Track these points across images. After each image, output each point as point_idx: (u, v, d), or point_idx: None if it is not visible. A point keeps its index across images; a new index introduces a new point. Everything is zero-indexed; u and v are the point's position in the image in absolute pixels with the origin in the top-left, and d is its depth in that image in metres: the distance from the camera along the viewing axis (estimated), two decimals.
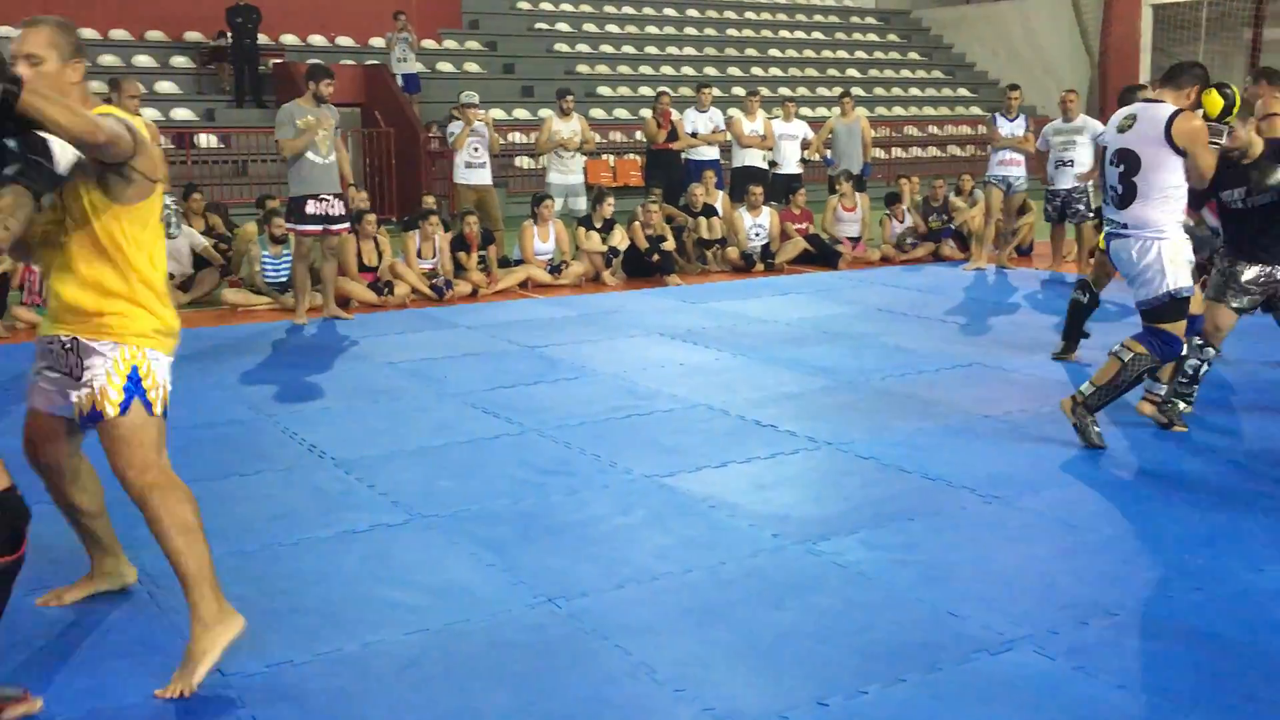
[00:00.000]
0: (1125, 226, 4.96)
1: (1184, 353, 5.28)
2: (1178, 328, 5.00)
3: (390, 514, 4.39)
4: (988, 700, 2.98)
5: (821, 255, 11.24)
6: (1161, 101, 4.98)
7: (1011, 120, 10.81)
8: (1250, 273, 5.40)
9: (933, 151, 20.86)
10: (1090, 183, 10.23)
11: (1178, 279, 4.90)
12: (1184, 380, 5.41)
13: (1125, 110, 5.17)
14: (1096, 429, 5.05)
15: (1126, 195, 4.94)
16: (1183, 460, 4.98)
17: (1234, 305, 5.44)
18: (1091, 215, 10.41)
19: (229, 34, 16.26)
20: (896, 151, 20.38)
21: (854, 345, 7.41)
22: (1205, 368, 5.43)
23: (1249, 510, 4.35)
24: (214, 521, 4.25)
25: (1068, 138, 10.23)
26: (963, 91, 23.69)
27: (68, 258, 3.02)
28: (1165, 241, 4.90)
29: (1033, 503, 4.43)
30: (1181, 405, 5.42)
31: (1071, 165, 10.14)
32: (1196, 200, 5.55)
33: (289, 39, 17.84)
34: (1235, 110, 5.14)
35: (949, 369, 6.69)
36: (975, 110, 22.22)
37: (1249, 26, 22.05)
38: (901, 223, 11.78)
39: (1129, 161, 4.93)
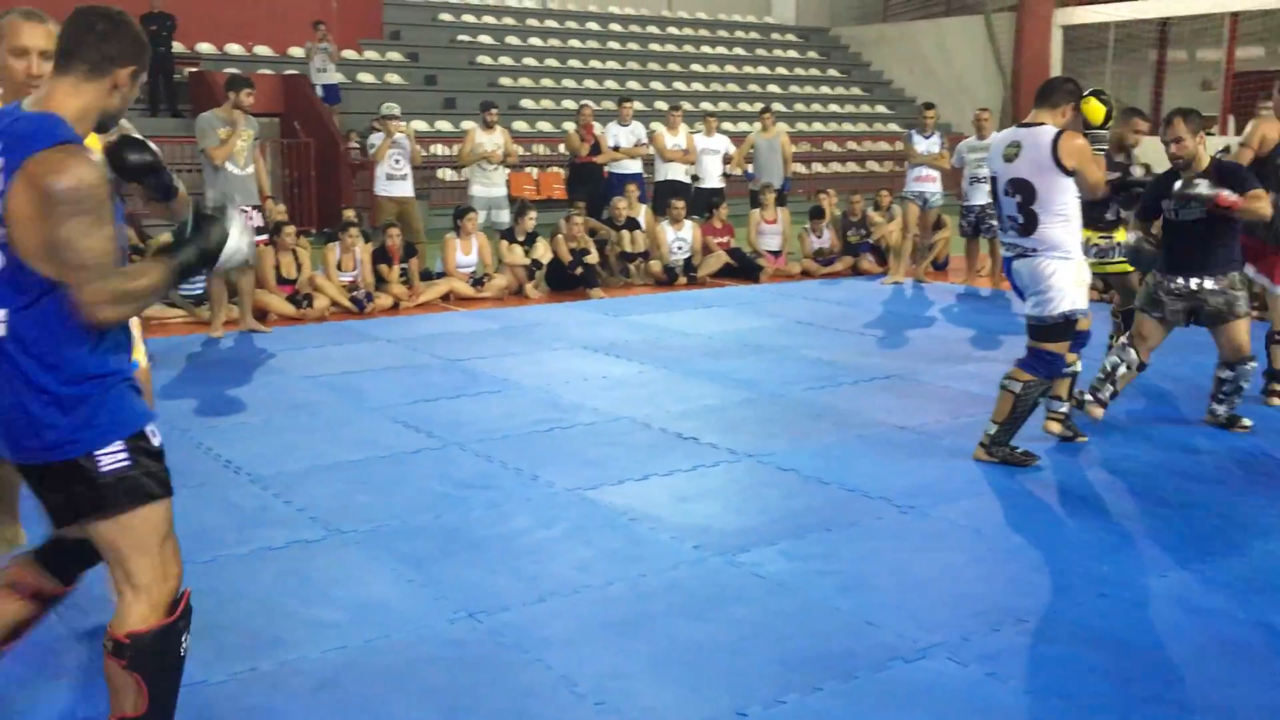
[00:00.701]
0: (1035, 250, 4.99)
1: (1107, 358, 5.50)
2: (1060, 347, 5.08)
3: (308, 530, 4.33)
4: (902, 707, 3.04)
5: (743, 269, 11.36)
6: (1041, 124, 5.01)
7: (927, 138, 11.02)
8: (1175, 283, 5.48)
9: (852, 167, 21.20)
10: None
11: (1075, 301, 4.98)
12: (1101, 376, 5.54)
13: (1007, 138, 5.15)
14: (1020, 450, 5.14)
15: (1029, 223, 4.98)
16: (1089, 470, 5.13)
17: (1154, 315, 5.57)
18: None
19: None
20: (817, 167, 20.67)
21: (775, 358, 7.50)
22: (1124, 369, 5.53)
23: (1152, 518, 4.49)
24: None
25: (981, 155, 10.45)
26: (880, 108, 24.13)
27: None
28: (1069, 263, 4.97)
29: (947, 512, 4.53)
30: (1096, 407, 5.52)
31: (985, 182, 10.37)
32: (1148, 213, 5.68)
33: (205, 47, 17.55)
34: (1114, 117, 5.25)
35: (867, 381, 6.81)
36: (893, 127, 22.64)
37: (1154, 48, 22.85)
38: (819, 238, 11.95)
39: (1025, 191, 4.97)
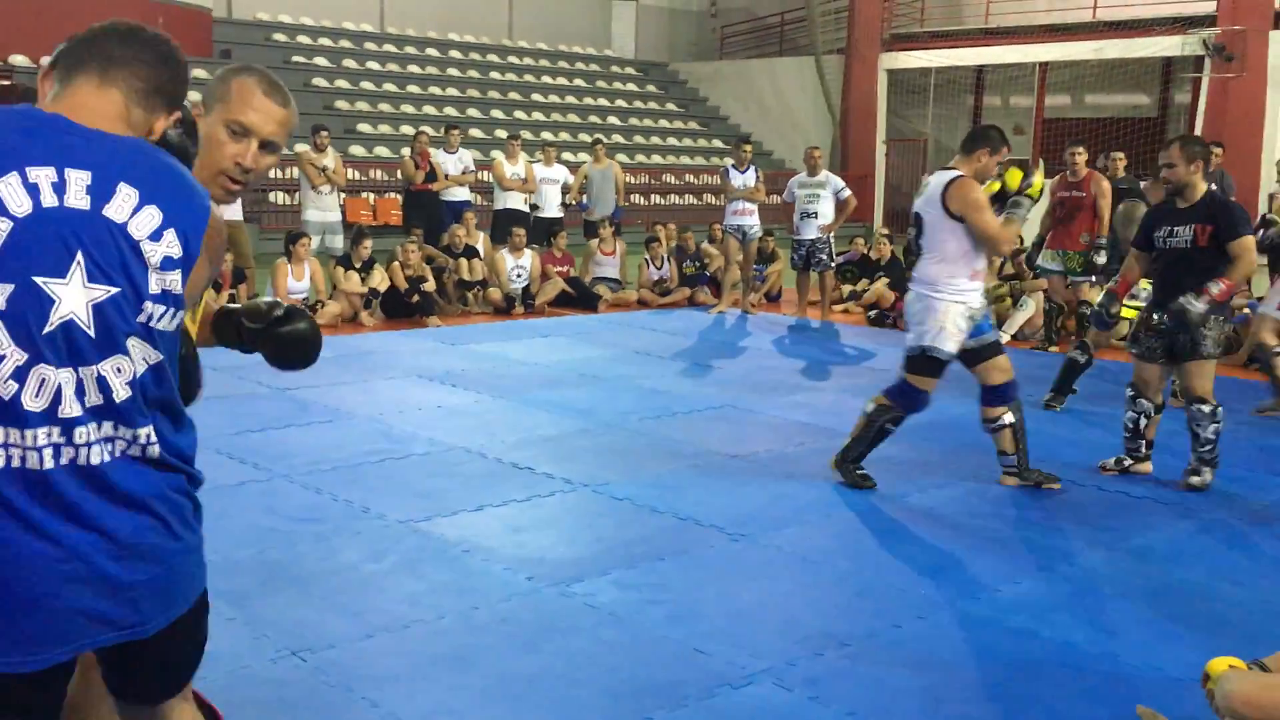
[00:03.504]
0: (914, 280, 5.28)
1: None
2: (925, 383, 5.21)
3: None
4: None
5: (581, 298, 11.41)
6: (951, 168, 5.25)
7: (743, 172, 11.31)
8: (1154, 318, 5.51)
9: (689, 199, 21.59)
10: (832, 234, 10.85)
11: (936, 338, 5.10)
12: (1127, 435, 5.65)
13: (929, 178, 5.43)
14: (859, 471, 5.37)
15: (917, 255, 5.32)
16: (910, 497, 5.32)
17: (1135, 352, 5.63)
18: (833, 265, 11.05)
19: None
20: (655, 198, 20.97)
21: (611, 388, 7.55)
22: (1143, 420, 5.58)
23: (969, 544, 4.69)
24: None
25: (811, 191, 10.83)
26: (717, 142, 24.65)
27: None
28: (938, 300, 5.10)
29: (775, 540, 4.63)
30: (1144, 464, 5.63)
31: (815, 217, 10.74)
32: (1141, 244, 5.62)
33: (19, 59, 16.65)
34: (1036, 183, 5.40)
35: (700, 411, 6.92)
36: (729, 161, 23.12)
37: (971, 94, 24.06)
38: (659, 269, 12.12)
39: (919, 225, 5.26)
